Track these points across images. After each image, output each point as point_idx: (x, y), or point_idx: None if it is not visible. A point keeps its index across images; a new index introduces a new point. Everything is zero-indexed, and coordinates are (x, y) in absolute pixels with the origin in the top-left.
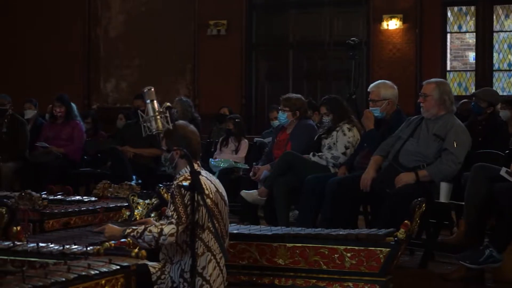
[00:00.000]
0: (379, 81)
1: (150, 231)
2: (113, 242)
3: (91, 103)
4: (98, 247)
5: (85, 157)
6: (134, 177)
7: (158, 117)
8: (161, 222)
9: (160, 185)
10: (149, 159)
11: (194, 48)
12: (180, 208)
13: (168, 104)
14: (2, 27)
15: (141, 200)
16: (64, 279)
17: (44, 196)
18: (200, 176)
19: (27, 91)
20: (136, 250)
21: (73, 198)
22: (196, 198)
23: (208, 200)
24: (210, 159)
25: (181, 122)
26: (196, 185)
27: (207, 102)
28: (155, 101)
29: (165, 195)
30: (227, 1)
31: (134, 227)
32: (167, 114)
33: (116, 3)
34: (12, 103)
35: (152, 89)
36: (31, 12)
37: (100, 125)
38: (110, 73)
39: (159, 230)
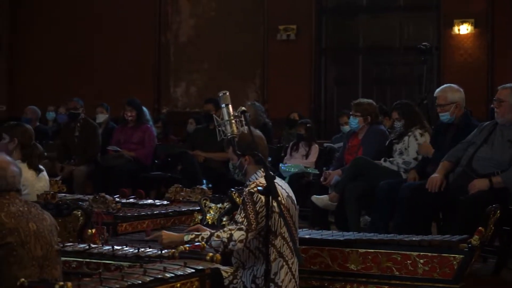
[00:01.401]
0: (445, 85)
1: (218, 236)
2: (187, 246)
3: (160, 108)
4: (173, 250)
5: (156, 161)
6: (204, 181)
7: (233, 121)
8: (230, 227)
9: (232, 189)
10: (220, 163)
11: (264, 53)
12: (251, 215)
13: (244, 108)
14: (74, 31)
15: (213, 204)
16: (140, 282)
17: (117, 199)
18: None
19: (99, 95)
20: (211, 254)
21: (145, 202)
22: (270, 203)
23: (277, 206)
24: (280, 164)
25: (247, 128)
26: (271, 190)
27: (276, 106)
28: (230, 105)
29: (237, 199)
30: (297, 6)
31: (196, 233)
32: (242, 118)
33: (186, 8)
34: (84, 107)
35: (228, 94)
36: (102, 17)
37: (170, 129)
38: (179, 77)
39: (228, 235)
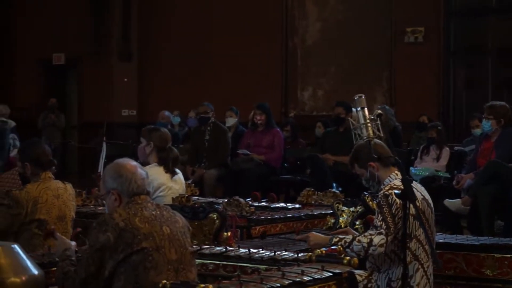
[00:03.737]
0: None
1: (359, 241)
2: (324, 249)
3: (288, 111)
4: (310, 253)
5: (285, 164)
6: (334, 184)
7: (369, 124)
8: (370, 232)
9: (365, 192)
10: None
11: (391, 56)
12: (388, 218)
13: (380, 111)
14: (202, 36)
15: (345, 208)
16: (279, 285)
17: (249, 202)
18: None
19: (228, 99)
20: (348, 257)
21: (277, 205)
22: (407, 207)
23: (413, 209)
24: (411, 167)
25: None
26: (408, 193)
27: (404, 110)
28: (365, 109)
29: (370, 203)
30: (425, 8)
31: (341, 236)
32: (378, 122)
33: (313, 12)
34: (214, 111)
35: (363, 97)
36: (230, 22)
37: (299, 133)
38: (307, 81)
39: (368, 240)
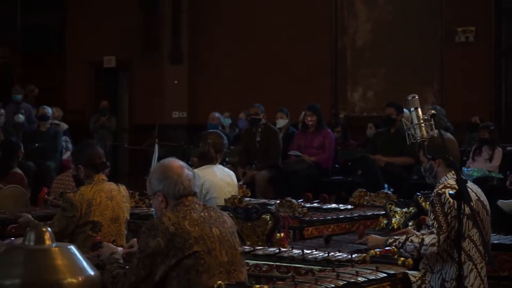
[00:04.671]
0: None
1: (411, 241)
2: (378, 250)
3: (338, 112)
4: (364, 254)
5: (336, 165)
6: (386, 185)
7: (423, 124)
8: (422, 232)
9: (418, 193)
10: (401, 168)
11: (441, 56)
12: (440, 217)
13: (433, 111)
14: (251, 38)
15: (398, 209)
16: (333, 286)
17: (301, 203)
18: None
19: (279, 100)
20: (403, 258)
21: (329, 206)
22: (462, 207)
23: (467, 209)
24: (463, 167)
25: (437, 131)
26: (463, 194)
27: (455, 110)
28: (419, 109)
29: (423, 203)
30: (476, 7)
31: (396, 237)
32: (432, 122)
33: (363, 12)
34: (265, 113)
35: (417, 97)
36: (279, 22)
37: (349, 134)
38: (357, 82)
39: (420, 240)
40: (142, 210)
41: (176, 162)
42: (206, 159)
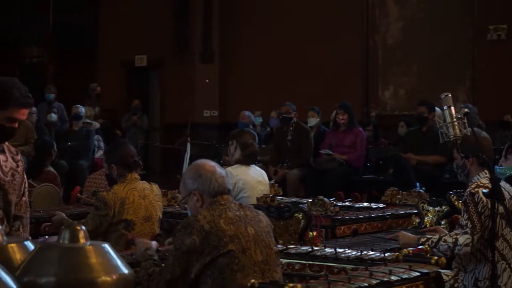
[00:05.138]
0: None
1: (445, 241)
2: (411, 249)
3: (369, 111)
4: (397, 253)
5: (368, 164)
6: (417, 184)
7: (456, 123)
8: (455, 231)
9: (451, 192)
10: (433, 166)
11: (473, 54)
12: (474, 217)
13: (466, 110)
14: (282, 37)
15: (431, 208)
16: (367, 284)
17: (333, 202)
18: None
19: (310, 99)
20: (436, 257)
21: (361, 205)
22: (496, 206)
23: (500, 208)
24: (496, 166)
25: (470, 130)
26: (497, 193)
27: (487, 108)
28: (452, 107)
29: (456, 202)
30: (508, 5)
31: (428, 236)
32: (465, 120)
33: (394, 10)
34: (297, 111)
35: (450, 95)
36: (310, 21)
37: (380, 133)
38: (388, 80)
39: (454, 240)
40: (175, 209)
41: (208, 162)
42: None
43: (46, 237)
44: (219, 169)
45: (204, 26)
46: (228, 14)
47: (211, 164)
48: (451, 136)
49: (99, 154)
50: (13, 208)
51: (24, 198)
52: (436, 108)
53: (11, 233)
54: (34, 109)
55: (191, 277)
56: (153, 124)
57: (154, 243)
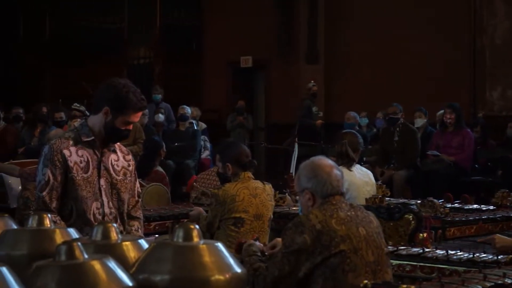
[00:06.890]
0: None
1: None
2: None
3: (476, 112)
4: (511, 256)
5: (476, 165)
6: None
7: None
8: None
9: None
10: None
11: None
12: None
13: None
14: (389, 37)
15: None
16: (480, 287)
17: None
18: None
19: (416, 100)
20: None
21: (471, 207)
22: None
23: None
24: None
25: None
26: None
27: None
28: None
29: None
30: None
31: None
32: None
33: (501, 10)
34: (404, 112)
35: None
36: (415, 21)
37: (489, 134)
38: (495, 81)
39: None
40: (283, 209)
41: (326, 161)
42: (343, 159)
43: (156, 236)
44: (335, 171)
45: (309, 27)
46: (333, 14)
47: (328, 163)
48: None
49: (205, 154)
50: (126, 207)
51: (139, 199)
52: None
53: (128, 231)
54: (146, 110)
55: (300, 275)
56: (258, 124)
57: (258, 243)
